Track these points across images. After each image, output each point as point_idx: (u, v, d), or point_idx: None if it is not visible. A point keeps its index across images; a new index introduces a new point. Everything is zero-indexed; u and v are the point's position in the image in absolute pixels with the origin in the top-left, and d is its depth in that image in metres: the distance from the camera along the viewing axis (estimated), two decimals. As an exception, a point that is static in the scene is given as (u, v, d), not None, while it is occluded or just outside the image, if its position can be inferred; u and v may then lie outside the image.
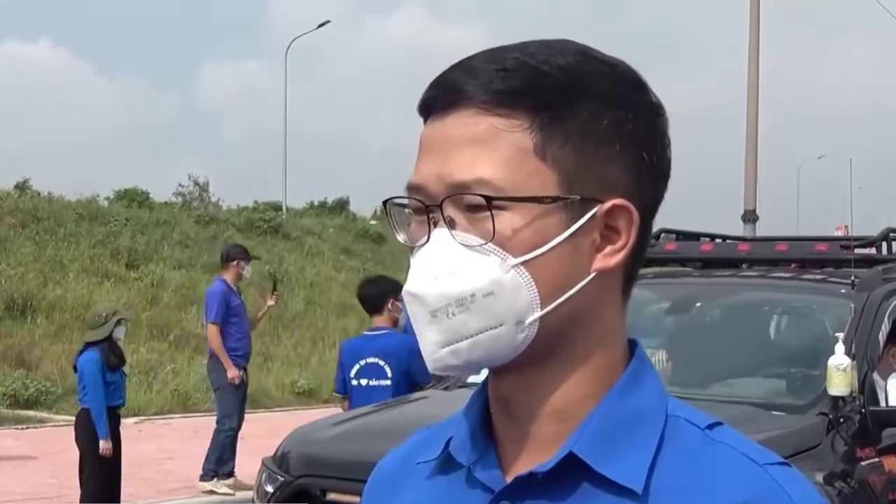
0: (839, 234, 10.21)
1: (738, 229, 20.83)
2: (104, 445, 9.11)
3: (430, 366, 1.25)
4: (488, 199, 1.19)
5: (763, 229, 21.94)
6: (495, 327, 1.21)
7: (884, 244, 7.38)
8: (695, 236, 7.98)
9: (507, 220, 1.20)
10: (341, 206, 52.37)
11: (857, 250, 7.08)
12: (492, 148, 1.20)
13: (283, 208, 39.81)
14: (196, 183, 47.32)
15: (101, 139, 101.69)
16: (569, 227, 1.21)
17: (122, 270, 24.92)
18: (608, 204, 1.23)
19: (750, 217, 21.88)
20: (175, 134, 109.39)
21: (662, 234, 7.74)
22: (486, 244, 1.20)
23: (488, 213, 1.19)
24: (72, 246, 24.95)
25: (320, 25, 43.02)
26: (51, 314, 21.46)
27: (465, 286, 1.20)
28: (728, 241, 8.18)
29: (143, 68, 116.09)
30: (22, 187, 34.47)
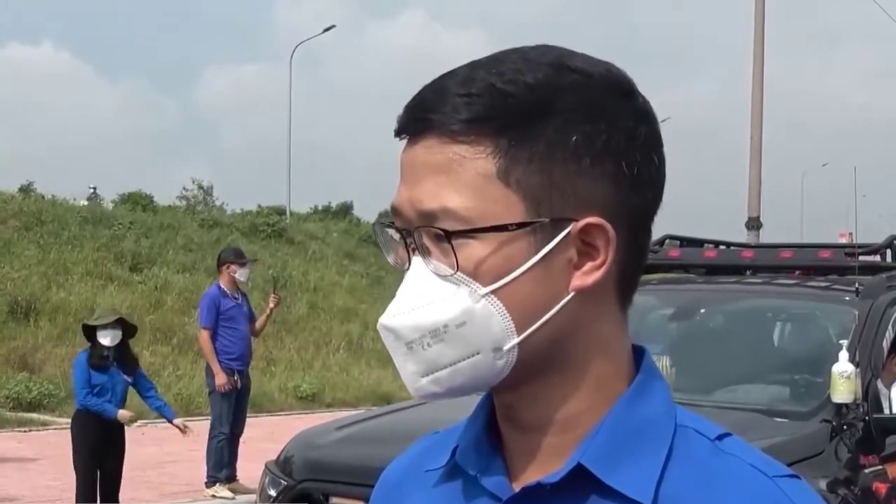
0: (843, 241, 10.20)
1: (742, 237, 20.83)
2: (123, 414, 9.20)
3: (413, 394, 1.24)
4: (447, 233, 1.19)
5: (767, 237, 21.95)
6: (472, 356, 1.20)
7: (888, 251, 7.36)
8: (699, 243, 7.98)
9: (473, 251, 1.18)
10: (345, 210, 52.32)
11: (861, 257, 7.07)
12: (456, 176, 1.19)
13: (287, 212, 39.81)
14: (200, 187, 47.41)
15: (105, 142, 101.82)
16: (539, 251, 1.19)
17: (125, 274, 24.95)
18: (582, 222, 1.20)
19: (754, 224, 21.89)
20: (179, 138, 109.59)
21: (667, 241, 7.74)
22: (455, 274, 1.19)
23: (448, 244, 1.19)
24: (76, 249, 24.98)
25: (325, 30, 43.08)
26: (54, 317, 21.48)
27: (436, 317, 1.19)
28: (732, 247, 8.18)
29: (147, 72, 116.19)
30: (26, 190, 34.50)
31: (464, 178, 1.19)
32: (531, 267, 1.19)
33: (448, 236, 1.19)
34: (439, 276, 1.20)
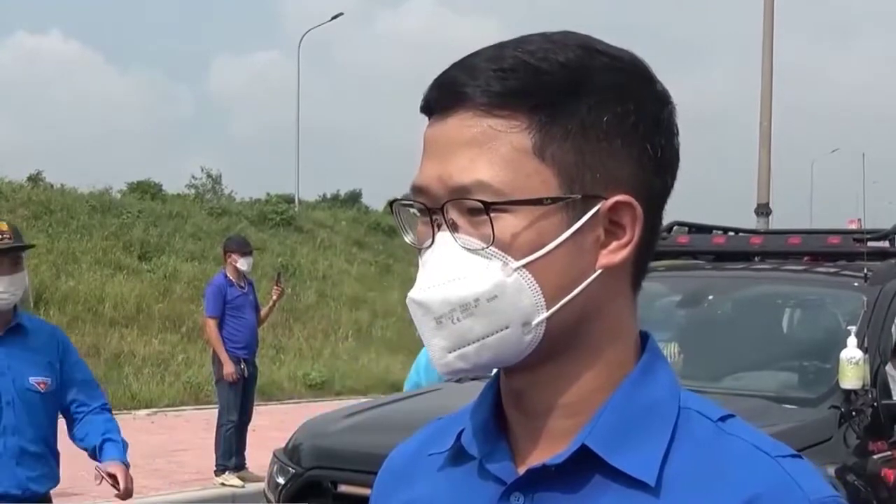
0: (852, 227, 10.19)
1: (751, 223, 20.80)
2: None
3: (440, 370, 1.25)
4: (486, 204, 1.19)
5: (776, 223, 21.92)
6: (501, 330, 1.21)
7: (897, 237, 7.35)
8: (707, 229, 7.96)
9: (507, 224, 1.19)
10: (354, 198, 52.41)
11: (869, 243, 7.06)
12: (490, 150, 1.20)
13: (296, 201, 39.79)
14: (209, 175, 47.45)
15: (113, 131, 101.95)
16: (570, 227, 1.20)
17: (134, 262, 24.96)
18: (611, 200, 1.22)
19: (763, 210, 21.83)
20: (188, 126, 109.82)
21: (675, 227, 7.72)
22: (487, 248, 1.20)
23: (487, 217, 1.19)
24: (84, 238, 25.00)
25: (333, 17, 42.97)
26: (63, 306, 21.51)
27: (468, 291, 1.20)
28: (741, 234, 8.16)
29: (156, 61, 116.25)
30: (35, 179, 34.52)
31: (499, 152, 1.20)
32: (562, 242, 1.20)
33: (486, 208, 1.19)
34: (469, 250, 1.21)
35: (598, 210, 1.21)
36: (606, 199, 1.21)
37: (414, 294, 1.23)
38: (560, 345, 1.23)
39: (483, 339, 1.21)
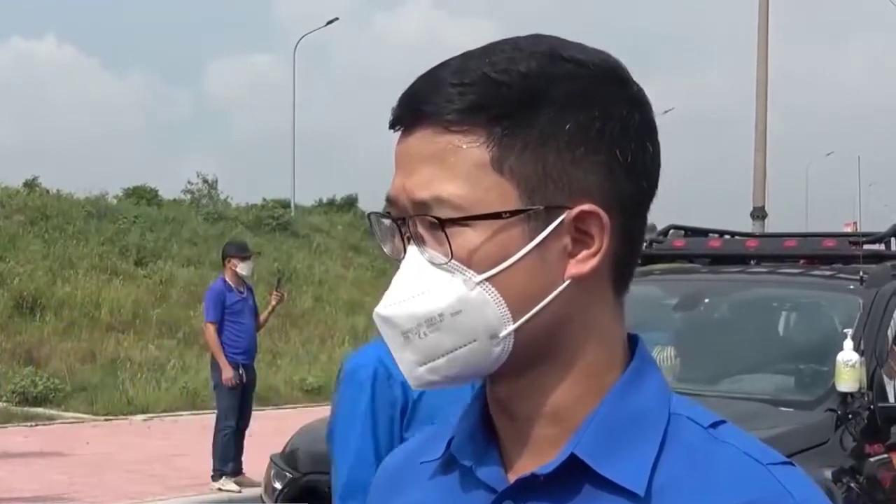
0: (848, 230, 10.21)
1: (747, 226, 20.82)
2: None
3: (411, 384, 1.25)
4: (441, 220, 1.19)
5: (772, 226, 21.95)
6: (469, 343, 1.20)
7: (892, 240, 7.36)
8: (703, 233, 7.97)
9: (466, 239, 1.19)
10: (350, 203, 52.27)
11: (865, 246, 7.08)
12: (449, 166, 1.19)
13: (292, 206, 39.83)
14: (205, 180, 47.40)
15: (109, 136, 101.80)
16: (533, 239, 1.19)
17: (130, 268, 24.98)
18: (575, 210, 1.20)
19: (758, 214, 21.88)
20: (184, 131, 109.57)
21: (671, 231, 7.73)
22: (449, 262, 1.19)
23: (443, 233, 1.19)
24: (80, 243, 25.01)
25: (329, 23, 43.04)
26: (59, 312, 21.51)
27: (432, 306, 1.20)
28: (736, 237, 8.17)
29: (152, 65, 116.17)
30: (31, 185, 34.50)
31: (457, 168, 1.19)
32: (526, 254, 1.19)
33: (442, 224, 1.19)
34: (434, 264, 1.20)
35: (562, 220, 1.20)
36: (571, 208, 1.20)
37: (380, 310, 1.23)
38: (535, 354, 1.22)
39: (452, 352, 1.21)
